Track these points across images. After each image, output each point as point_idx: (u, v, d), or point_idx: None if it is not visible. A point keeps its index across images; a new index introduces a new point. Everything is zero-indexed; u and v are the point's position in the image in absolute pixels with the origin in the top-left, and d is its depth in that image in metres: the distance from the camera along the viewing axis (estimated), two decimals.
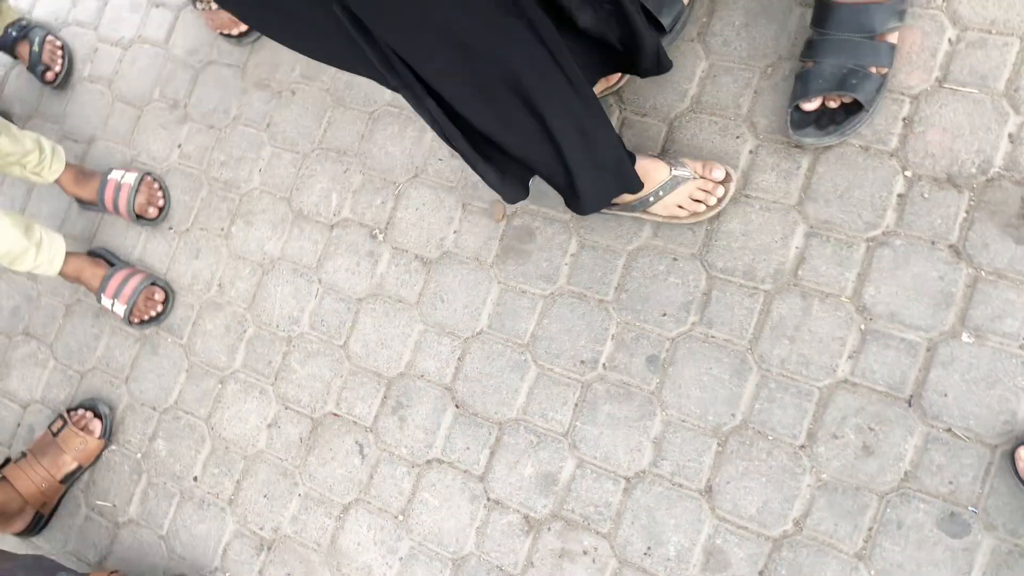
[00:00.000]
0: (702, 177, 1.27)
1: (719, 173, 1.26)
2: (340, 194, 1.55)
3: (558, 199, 1.36)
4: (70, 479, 1.61)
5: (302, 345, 1.52)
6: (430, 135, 1.49)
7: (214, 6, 1.64)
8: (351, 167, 1.55)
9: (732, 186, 1.27)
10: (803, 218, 1.25)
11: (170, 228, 1.69)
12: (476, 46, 0.87)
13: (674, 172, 1.25)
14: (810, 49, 1.22)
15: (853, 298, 1.20)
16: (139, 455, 1.62)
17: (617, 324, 1.32)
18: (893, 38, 1.20)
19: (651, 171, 1.25)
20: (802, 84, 1.22)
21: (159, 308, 1.62)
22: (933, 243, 1.18)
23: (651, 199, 1.26)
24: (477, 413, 1.38)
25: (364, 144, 1.55)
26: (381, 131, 1.54)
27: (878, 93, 1.21)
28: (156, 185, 1.68)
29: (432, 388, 1.42)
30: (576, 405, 1.32)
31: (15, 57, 1.87)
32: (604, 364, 1.32)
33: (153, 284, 1.62)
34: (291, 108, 1.63)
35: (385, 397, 1.45)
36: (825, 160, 1.25)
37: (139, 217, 1.66)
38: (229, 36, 1.67)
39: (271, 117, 1.64)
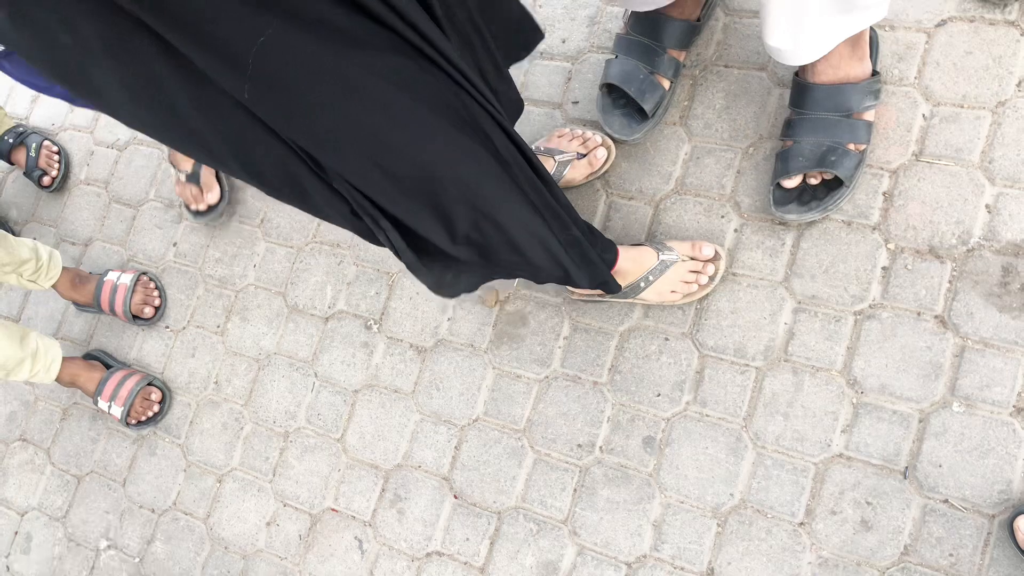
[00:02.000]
0: (691, 258, 1.38)
1: (708, 251, 1.38)
2: (335, 287, 1.67)
3: (551, 286, 1.48)
4: None
5: (299, 440, 1.62)
6: None
7: (182, 177, 1.79)
8: (345, 259, 1.68)
9: (722, 264, 1.39)
10: (790, 294, 1.35)
11: (166, 327, 1.81)
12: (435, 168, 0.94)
13: (662, 256, 1.37)
14: (789, 128, 1.35)
15: (843, 372, 1.30)
16: (137, 560, 1.71)
17: (612, 406, 1.42)
18: (870, 116, 1.33)
19: (638, 258, 1.36)
20: (783, 163, 1.34)
21: (156, 408, 1.72)
22: (919, 314, 1.28)
23: (641, 285, 1.37)
24: (476, 503, 1.47)
25: (357, 236, 1.68)
26: None
27: (857, 169, 1.33)
28: (152, 285, 1.81)
29: (430, 479, 1.51)
30: (575, 490, 1.41)
31: (12, 163, 2.04)
32: (601, 447, 1.41)
33: (150, 384, 1.73)
34: (284, 204, 1.77)
35: (383, 490, 1.54)
36: (809, 236, 1.36)
37: (136, 317, 1.79)
38: (197, 213, 1.81)
39: (265, 213, 1.78)
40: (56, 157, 2.00)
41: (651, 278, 1.37)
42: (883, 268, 1.31)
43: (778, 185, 1.36)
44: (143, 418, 1.72)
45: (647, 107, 1.44)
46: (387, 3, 0.82)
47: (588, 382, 1.44)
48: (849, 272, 1.33)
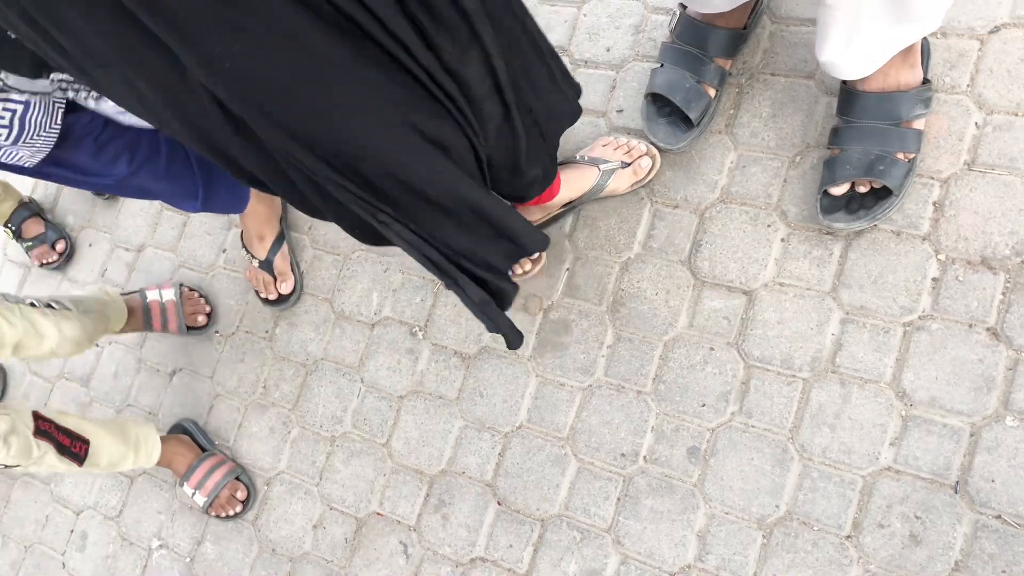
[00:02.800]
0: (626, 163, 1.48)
1: (642, 148, 1.50)
2: (381, 293, 1.70)
3: (594, 292, 1.49)
4: None
5: (345, 444, 1.65)
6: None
7: (255, 263, 1.77)
8: (391, 267, 1.70)
9: (657, 158, 1.50)
10: (838, 305, 1.34)
11: (216, 331, 1.85)
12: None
13: (602, 168, 1.46)
14: (836, 136, 1.33)
15: (892, 384, 1.28)
16: (188, 560, 1.75)
17: (656, 415, 1.42)
18: (920, 124, 1.31)
19: (578, 178, 1.46)
20: (830, 171, 1.33)
21: (238, 508, 1.70)
22: (971, 326, 1.26)
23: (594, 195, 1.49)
24: (519, 510, 1.48)
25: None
26: None
27: (906, 178, 1.31)
28: (196, 295, 1.84)
29: (474, 485, 1.52)
30: (618, 499, 1.41)
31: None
32: (645, 456, 1.41)
33: (237, 479, 1.72)
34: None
35: (427, 495, 1.55)
36: (857, 246, 1.35)
37: (190, 328, 1.82)
38: (267, 301, 1.79)
39: (312, 221, 1.81)
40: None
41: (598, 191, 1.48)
42: (933, 279, 1.30)
43: (825, 192, 1.34)
44: (224, 514, 1.70)
45: (693, 116, 1.44)
46: (370, 13, 0.84)
47: (632, 391, 1.44)
48: (898, 283, 1.31)
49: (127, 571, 1.81)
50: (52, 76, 1.21)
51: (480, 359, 1.57)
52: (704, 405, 1.39)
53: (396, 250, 1.68)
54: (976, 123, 1.33)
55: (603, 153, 1.50)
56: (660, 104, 1.49)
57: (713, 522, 1.34)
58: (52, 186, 2.19)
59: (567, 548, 1.43)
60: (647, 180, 1.51)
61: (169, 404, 1.86)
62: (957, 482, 1.22)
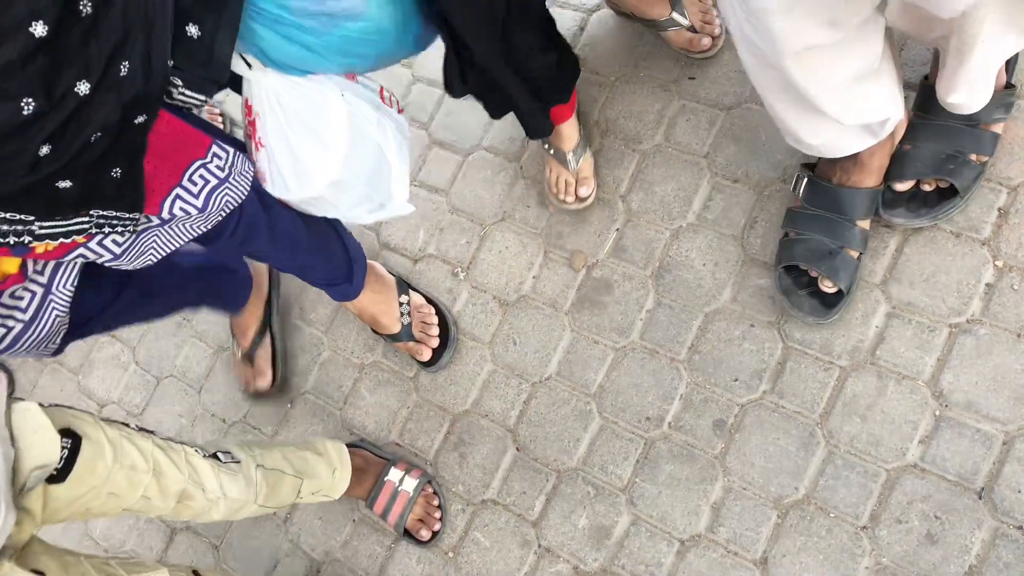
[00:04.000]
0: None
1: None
2: (428, 231, 1.70)
3: (640, 256, 1.48)
4: None
5: (373, 374, 1.66)
6: (522, 183, 1.64)
7: (239, 354, 1.74)
8: (441, 206, 1.71)
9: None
10: (886, 298, 1.33)
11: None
12: None
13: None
14: (910, 131, 1.31)
15: (930, 383, 1.27)
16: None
17: (687, 384, 1.42)
18: (998, 128, 1.28)
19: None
20: (899, 166, 1.30)
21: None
22: (1019, 336, 1.24)
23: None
24: (537, 458, 1.49)
25: (456, 185, 1.71)
26: (474, 174, 1.70)
27: (975, 181, 1.29)
28: (436, 502, 1.53)
29: (496, 428, 1.53)
30: (637, 461, 1.42)
31: None
32: (670, 423, 1.41)
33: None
34: None
35: (448, 433, 1.57)
36: (914, 242, 1.34)
37: (407, 533, 1.53)
38: (246, 393, 1.76)
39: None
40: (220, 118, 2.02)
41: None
42: (987, 284, 1.28)
43: (889, 187, 1.32)
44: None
45: (843, 285, 1.30)
46: None
47: (665, 357, 1.44)
48: (951, 284, 1.30)
49: (156, 547, 1.83)
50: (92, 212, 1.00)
51: (518, 307, 1.58)
52: (737, 380, 1.39)
53: (447, 188, 1.68)
54: None
55: (687, 3, 1.54)
56: (797, 275, 1.35)
57: (729, 495, 1.35)
58: None
59: (580, 502, 1.44)
60: (697, 55, 1.55)
61: None
62: (983, 488, 1.21)
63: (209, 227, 1.14)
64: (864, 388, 1.31)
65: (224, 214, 1.14)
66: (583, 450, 1.46)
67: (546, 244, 1.59)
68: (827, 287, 1.31)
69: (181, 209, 1.06)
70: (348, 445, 1.52)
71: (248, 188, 1.14)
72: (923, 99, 1.30)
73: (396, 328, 1.58)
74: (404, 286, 1.62)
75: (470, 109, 1.75)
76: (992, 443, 1.22)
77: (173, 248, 1.14)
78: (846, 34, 1.00)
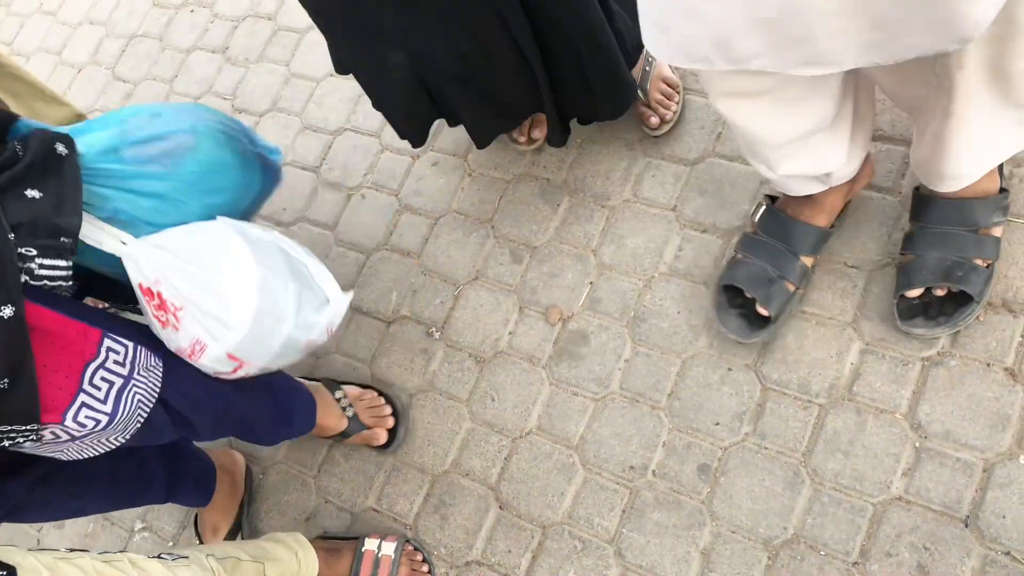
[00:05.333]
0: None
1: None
2: (400, 293, 1.70)
3: (615, 306, 1.50)
4: None
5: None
6: (493, 242, 1.66)
7: None
8: (413, 268, 1.71)
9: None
10: (859, 335, 1.36)
11: None
12: None
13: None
14: (911, 242, 1.30)
15: (908, 415, 1.30)
16: (171, 544, 1.70)
17: (669, 431, 1.42)
18: (998, 231, 1.28)
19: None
20: (905, 275, 1.30)
21: None
22: (988, 365, 1.28)
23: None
24: (521, 515, 1.46)
25: (428, 247, 1.72)
26: (446, 235, 1.72)
27: (987, 284, 1.27)
28: (420, 557, 1.49)
29: (477, 487, 1.50)
30: (623, 511, 1.40)
31: None
32: (654, 471, 1.40)
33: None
34: (359, 211, 1.83)
35: (428, 494, 1.53)
36: (880, 280, 1.38)
37: None
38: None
39: (337, 217, 1.83)
40: None
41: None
42: None
43: (902, 297, 1.31)
44: None
45: (772, 312, 1.36)
46: None
47: (646, 405, 1.45)
48: None
49: (107, 547, 1.75)
50: None
51: (495, 363, 1.57)
52: (718, 424, 1.39)
53: (419, 251, 1.70)
54: None
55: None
56: (733, 295, 1.41)
57: (719, 540, 1.33)
58: None
59: (567, 557, 1.41)
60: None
61: None
62: (968, 516, 1.22)
63: (128, 437, 1.05)
64: (844, 424, 1.32)
65: (141, 420, 1.05)
66: (568, 503, 1.44)
67: (521, 300, 1.60)
68: (760, 310, 1.37)
69: (88, 418, 0.98)
70: (314, 539, 1.48)
71: (158, 383, 1.07)
72: (919, 208, 1.30)
73: (343, 424, 1.55)
74: (333, 383, 1.60)
75: (437, 174, 1.79)
76: (973, 471, 1.24)
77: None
78: (778, 87, 0.99)
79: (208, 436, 1.27)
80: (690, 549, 1.34)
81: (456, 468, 1.54)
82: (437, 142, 1.83)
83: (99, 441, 1.03)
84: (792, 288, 1.37)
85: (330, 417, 1.53)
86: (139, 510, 1.75)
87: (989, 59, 0.93)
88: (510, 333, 1.59)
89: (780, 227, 1.37)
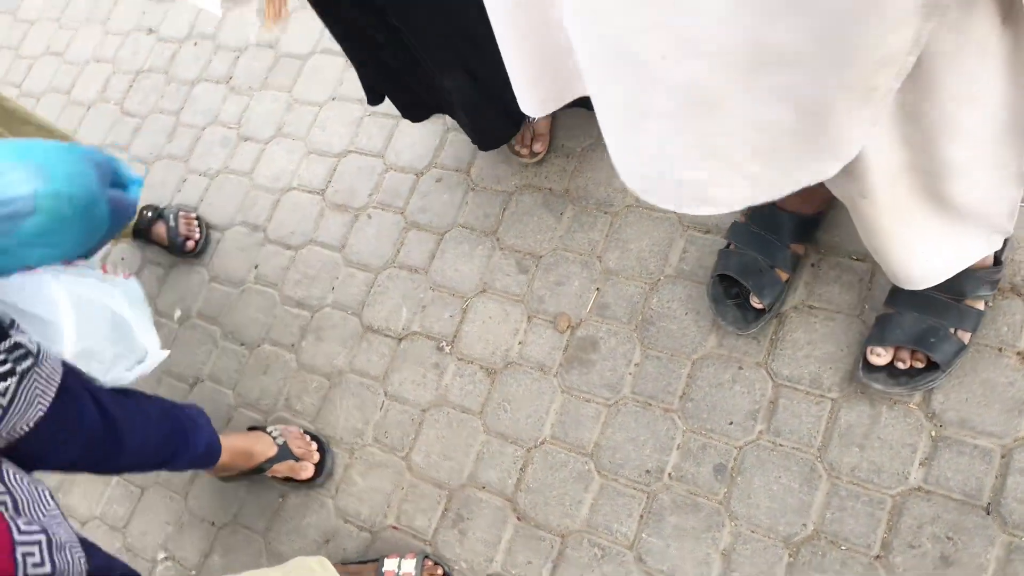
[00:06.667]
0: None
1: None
2: (410, 309, 1.71)
3: (623, 311, 1.50)
4: None
5: (365, 457, 1.63)
6: (499, 254, 1.67)
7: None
8: (421, 284, 1.72)
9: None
10: (867, 327, 1.35)
11: (241, 344, 1.86)
12: None
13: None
14: (894, 297, 1.28)
15: (922, 405, 1.28)
16: (194, 572, 1.71)
17: (683, 433, 1.41)
18: (981, 305, 1.26)
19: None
20: (880, 328, 1.28)
21: None
22: (1000, 350, 1.27)
23: None
24: (539, 525, 1.46)
25: (435, 262, 1.73)
26: (452, 250, 1.72)
27: (956, 357, 1.24)
28: (440, 571, 1.48)
29: (494, 499, 1.50)
30: (641, 516, 1.39)
31: (152, 240, 2.03)
32: (670, 474, 1.40)
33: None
34: (366, 231, 1.84)
35: (446, 509, 1.53)
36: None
37: None
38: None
39: (347, 239, 1.85)
40: (196, 223, 2.02)
41: None
42: None
43: (867, 359, 1.29)
44: None
45: (765, 302, 1.37)
46: None
47: (659, 408, 1.44)
48: None
49: None
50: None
51: (506, 374, 1.58)
52: (732, 423, 1.39)
53: (427, 266, 1.70)
54: None
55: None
56: (728, 285, 1.43)
57: (739, 540, 1.32)
58: (128, 265, 2.22)
59: (587, 565, 1.40)
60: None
61: None
62: (989, 503, 1.20)
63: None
64: (858, 417, 1.31)
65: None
66: (585, 511, 1.43)
67: (529, 309, 1.60)
68: (754, 303, 1.37)
69: None
70: (336, 563, 1.47)
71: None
72: None
73: (273, 450, 1.60)
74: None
75: (441, 190, 1.80)
76: (991, 457, 1.22)
77: None
78: None
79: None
80: (710, 551, 1.33)
81: (472, 481, 1.53)
82: (439, 158, 1.84)
83: None
84: (784, 277, 1.38)
85: (262, 442, 1.60)
86: (161, 538, 1.76)
87: (925, 188, 0.95)
88: (520, 343, 1.59)
89: (767, 216, 1.38)
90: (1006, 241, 1.25)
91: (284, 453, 1.60)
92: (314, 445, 1.65)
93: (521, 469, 1.50)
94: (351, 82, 2.04)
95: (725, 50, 0.69)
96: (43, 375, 1.08)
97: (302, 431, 1.68)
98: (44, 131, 1.74)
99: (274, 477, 1.62)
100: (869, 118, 0.77)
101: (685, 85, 0.74)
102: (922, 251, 1.08)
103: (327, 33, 2.15)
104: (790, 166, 0.82)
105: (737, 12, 0.65)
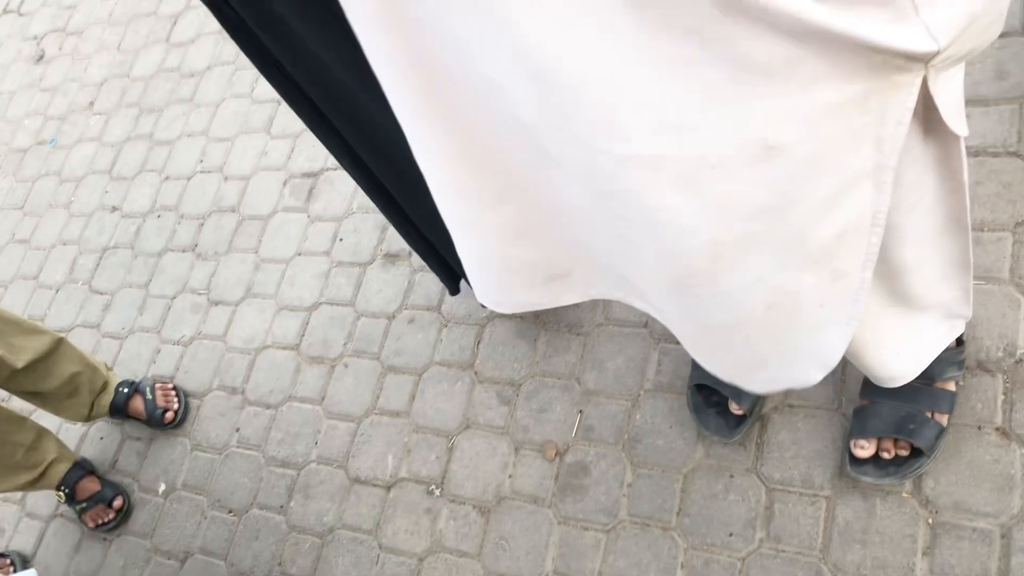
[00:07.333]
0: None
1: None
2: (395, 455, 1.70)
3: (609, 432, 1.51)
4: None
5: None
6: (479, 387, 1.68)
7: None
8: (404, 428, 1.72)
9: None
10: (848, 420, 1.36)
11: (229, 511, 1.82)
12: None
13: None
14: (867, 389, 1.29)
15: (914, 493, 1.28)
16: None
17: (685, 551, 1.39)
18: (951, 386, 1.28)
19: None
20: (859, 421, 1.29)
21: None
22: (979, 428, 1.28)
23: None
24: None
25: (416, 404, 1.73)
26: (431, 389, 1.73)
27: (939, 439, 1.25)
28: None
29: None
30: None
31: (130, 416, 2.00)
32: None
33: None
34: (344, 380, 1.84)
35: None
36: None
37: None
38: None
39: (325, 391, 1.85)
40: (173, 393, 2.01)
41: None
42: None
43: (855, 443, 1.29)
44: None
45: (744, 408, 1.38)
46: None
47: (657, 528, 1.43)
48: None
49: None
50: None
51: (500, 510, 1.56)
52: (732, 534, 1.37)
53: (407, 409, 1.70)
54: None
55: None
56: (707, 394, 1.43)
57: None
58: (108, 442, 2.19)
59: None
60: None
61: None
62: None
63: None
64: (854, 513, 1.31)
65: None
66: None
67: (515, 441, 1.60)
68: (733, 409, 1.38)
69: None
70: None
71: None
72: None
73: None
74: None
75: (414, 331, 1.82)
76: (991, 539, 1.22)
77: None
78: None
79: None
80: None
81: None
82: (410, 299, 1.87)
83: None
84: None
85: None
86: None
87: (885, 289, 0.99)
88: (510, 476, 1.58)
89: None
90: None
91: None
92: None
93: None
94: (315, 237, 2.08)
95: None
96: None
97: None
98: (10, 324, 1.76)
99: None
100: (846, 314, 0.79)
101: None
102: (893, 348, 1.11)
103: (286, 190, 2.21)
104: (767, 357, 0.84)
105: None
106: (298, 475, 1.79)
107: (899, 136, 0.67)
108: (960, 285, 1.08)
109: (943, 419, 1.27)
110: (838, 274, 0.75)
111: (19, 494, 2.09)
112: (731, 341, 0.84)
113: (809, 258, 0.73)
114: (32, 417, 1.92)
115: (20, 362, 1.72)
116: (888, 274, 0.97)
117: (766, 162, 0.64)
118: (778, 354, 0.83)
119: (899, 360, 1.13)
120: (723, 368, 0.94)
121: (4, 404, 1.89)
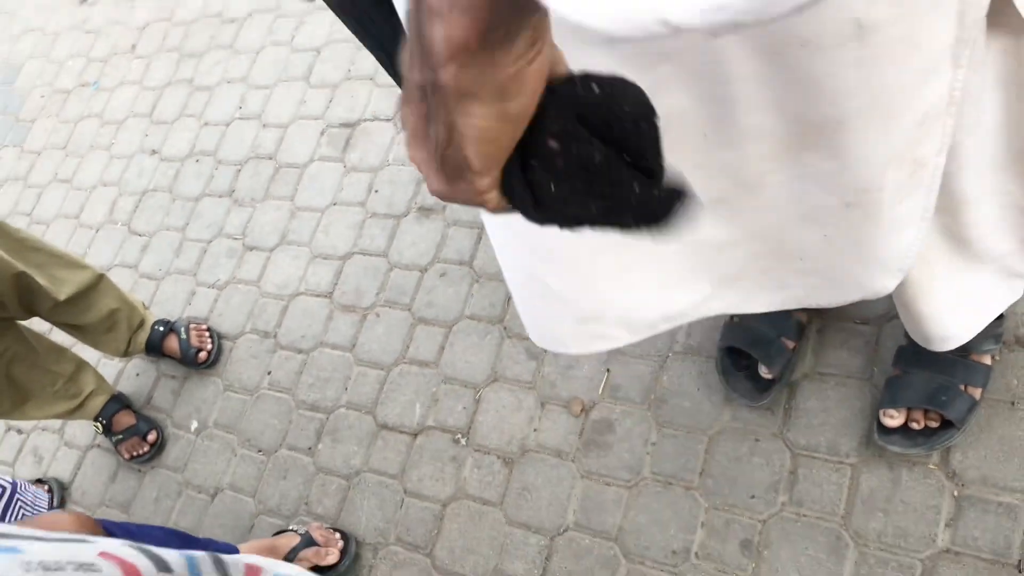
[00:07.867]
0: None
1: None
2: (423, 404, 1.72)
3: (635, 391, 1.51)
4: None
5: (388, 557, 1.62)
6: (508, 342, 1.68)
7: None
8: (432, 378, 1.73)
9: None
10: (879, 390, 1.36)
11: (259, 451, 1.86)
12: None
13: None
14: (901, 357, 1.28)
15: (941, 465, 1.28)
16: None
17: (706, 510, 1.40)
18: (988, 359, 1.26)
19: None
20: (891, 391, 1.28)
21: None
22: (1013, 404, 1.27)
23: None
24: None
25: (445, 355, 1.74)
26: (461, 342, 1.74)
27: (970, 412, 1.24)
28: None
29: None
30: None
31: (165, 354, 2.04)
32: (697, 553, 1.38)
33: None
34: (375, 330, 1.86)
35: None
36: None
37: None
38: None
39: (357, 339, 1.87)
40: (207, 334, 2.04)
41: None
42: None
43: (884, 412, 1.28)
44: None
45: (774, 373, 1.37)
46: None
47: (680, 487, 1.44)
48: None
49: None
50: None
51: (524, 462, 1.57)
52: (754, 497, 1.38)
53: (436, 360, 1.72)
54: None
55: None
56: (737, 357, 1.43)
57: None
58: (144, 379, 2.23)
59: None
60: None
61: (209, 525, 1.84)
62: (1020, 560, 1.19)
63: None
64: (879, 481, 1.30)
65: None
66: None
67: (541, 396, 1.61)
68: (763, 373, 1.37)
69: None
70: None
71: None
72: None
73: (296, 539, 1.61)
74: None
75: (446, 284, 1.82)
76: (1017, 513, 1.21)
77: None
78: None
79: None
80: None
81: (498, 574, 1.51)
82: (442, 253, 1.88)
83: None
84: (791, 345, 1.37)
85: (283, 538, 1.63)
86: None
87: (944, 228, 0.95)
88: (535, 430, 1.59)
89: None
90: None
91: (307, 541, 1.60)
92: (337, 534, 1.63)
93: (546, 559, 1.49)
94: (351, 187, 2.09)
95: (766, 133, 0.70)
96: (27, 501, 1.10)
97: (324, 525, 1.67)
98: (54, 257, 1.78)
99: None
100: (920, 208, 0.77)
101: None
102: (949, 303, 1.06)
103: (324, 139, 2.21)
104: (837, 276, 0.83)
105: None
106: (327, 419, 1.82)
107: (981, 4, 0.65)
108: (1017, 236, 1.03)
109: (976, 392, 1.25)
110: (916, 164, 0.73)
111: (58, 423, 2.15)
112: (806, 250, 0.82)
113: (892, 150, 0.71)
114: (72, 350, 1.96)
115: (62, 294, 1.75)
116: (948, 208, 0.91)
117: (857, 41, 0.63)
118: (853, 259, 0.81)
119: (953, 317, 1.08)
120: (793, 294, 0.90)
121: (46, 335, 1.93)
